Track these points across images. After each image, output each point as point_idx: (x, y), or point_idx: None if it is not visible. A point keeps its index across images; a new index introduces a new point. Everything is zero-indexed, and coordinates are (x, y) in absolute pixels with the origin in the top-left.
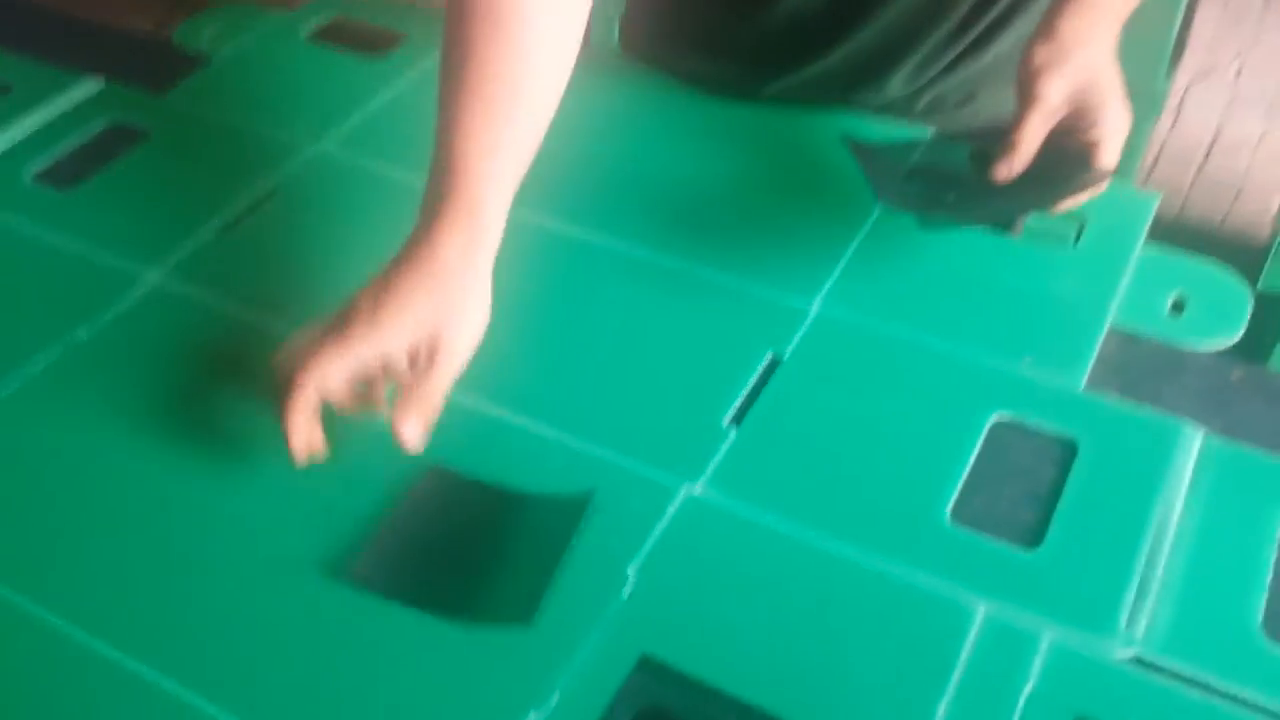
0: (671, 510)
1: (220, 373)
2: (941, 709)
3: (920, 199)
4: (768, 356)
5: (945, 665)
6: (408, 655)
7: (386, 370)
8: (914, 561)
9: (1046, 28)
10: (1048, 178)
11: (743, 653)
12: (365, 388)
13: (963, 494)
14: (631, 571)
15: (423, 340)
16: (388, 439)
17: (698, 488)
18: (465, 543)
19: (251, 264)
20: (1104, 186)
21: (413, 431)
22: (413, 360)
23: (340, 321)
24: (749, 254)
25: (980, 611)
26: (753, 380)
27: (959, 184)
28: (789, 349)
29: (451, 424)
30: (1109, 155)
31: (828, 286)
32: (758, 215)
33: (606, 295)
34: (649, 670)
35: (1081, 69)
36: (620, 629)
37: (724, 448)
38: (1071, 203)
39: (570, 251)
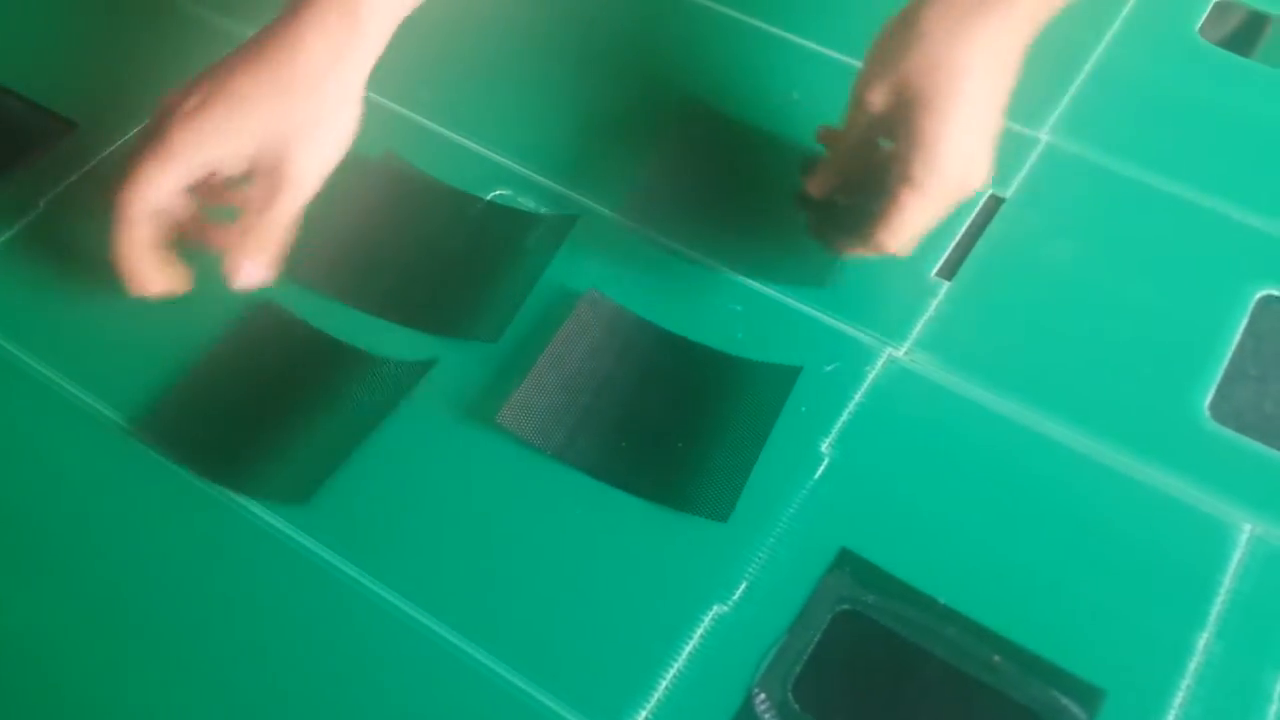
0: (871, 377)
1: None
2: (1200, 641)
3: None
4: (985, 194)
5: (1206, 591)
6: (588, 538)
7: (227, 186)
8: (1162, 463)
9: (906, 8)
10: (856, 216)
11: (953, 554)
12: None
13: (1223, 385)
14: (826, 449)
15: (266, 154)
16: None
17: (901, 351)
18: (673, 413)
19: None
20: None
21: (246, 269)
22: (256, 176)
23: (158, 126)
24: None
25: (1245, 531)
26: (966, 224)
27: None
28: (1011, 187)
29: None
30: (896, 218)
31: (1059, 111)
32: None
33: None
34: (848, 567)
35: (920, 71)
36: (814, 516)
37: (931, 305)
38: (855, 249)
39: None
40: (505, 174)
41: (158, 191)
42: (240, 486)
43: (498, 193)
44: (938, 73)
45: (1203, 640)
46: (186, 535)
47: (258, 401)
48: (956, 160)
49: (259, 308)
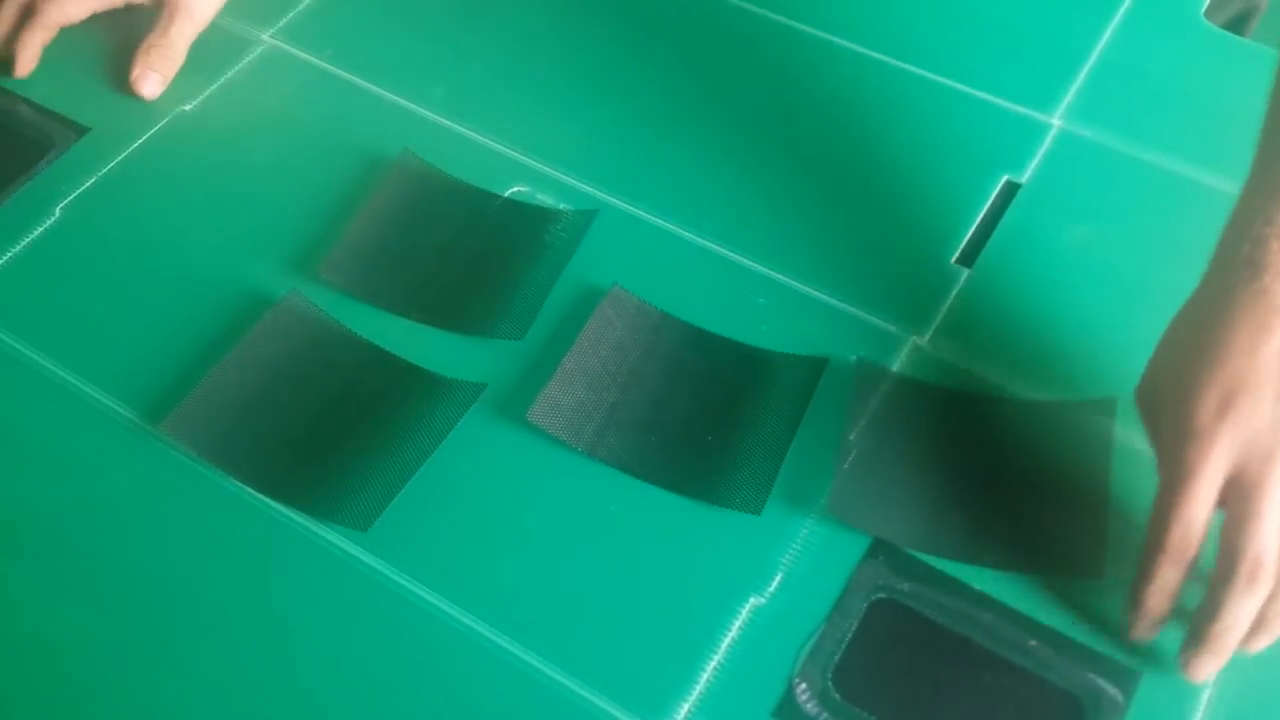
0: (896, 366)
1: None
2: None
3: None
4: (1002, 180)
5: None
6: (623, 534)
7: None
8: None
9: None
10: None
11: (984, 541)
12: None
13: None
14: (854, 439)
15: None
16: None
17: (924, 339)
18: (701, 407)
19: None
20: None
21: (148, 83)
22: (160, 6)
23: None
24: (974, 56)
25: None
26: (983, 211)
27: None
28: (1026, 172)
29: (638, 242)
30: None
31: (1070, 96)
32: (984, 10)
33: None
34: (882, 555)
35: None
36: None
37: (952, 293)
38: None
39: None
40: (523, 170)
41: (79, 11)
42: (298, 503)
43: (516, 189)
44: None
45: None
46: (214, 535)
47: (306, 412)
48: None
49: (284, 304)
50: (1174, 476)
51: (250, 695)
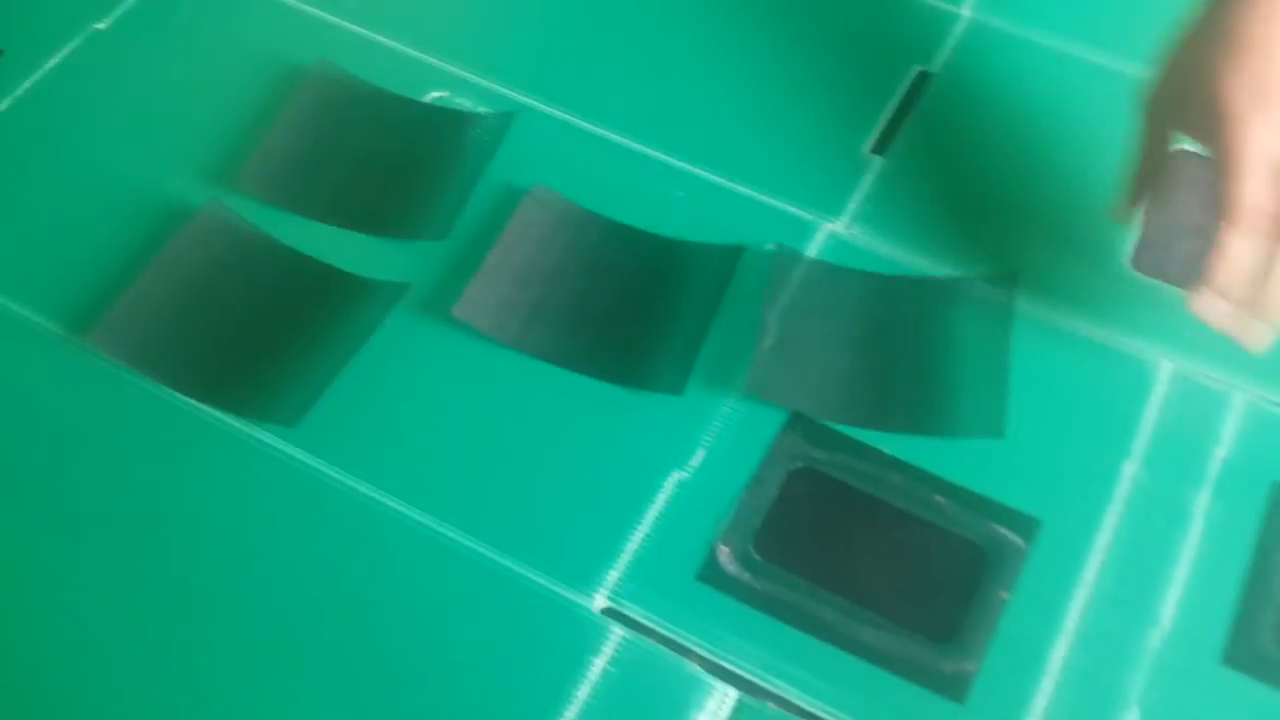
0: (812, 252)
1: None
2: (1128, 470)
3: None
4: (914, 71)
5: (1128, 423)
6: (551, 421)
7: None
8: (1089, 313)
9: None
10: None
11: (892, 408)
12: None
13: (1146, 239)
14: (772, 322)
15: None
16: None
17: (840, 225)
18: (624, 298)
19: None
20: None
21: None
22: None
23: None
24: None
25: (1165, 369)
26: (896, 100)
27: None
28: (937, 62)
29: (559, 142)
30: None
31: None
32: None
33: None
34: (799, 429)
35: (1238, 88)
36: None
37: (866, 180)
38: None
39: None
40: (442, 76)
41: None
42: (227, 405)
43: (435, 94)
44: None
45: (1129, 469)
46: (151, 444)
47: (232, 318)
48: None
49: (206, 213)
50: (1226, 160)
51: (188, 595)
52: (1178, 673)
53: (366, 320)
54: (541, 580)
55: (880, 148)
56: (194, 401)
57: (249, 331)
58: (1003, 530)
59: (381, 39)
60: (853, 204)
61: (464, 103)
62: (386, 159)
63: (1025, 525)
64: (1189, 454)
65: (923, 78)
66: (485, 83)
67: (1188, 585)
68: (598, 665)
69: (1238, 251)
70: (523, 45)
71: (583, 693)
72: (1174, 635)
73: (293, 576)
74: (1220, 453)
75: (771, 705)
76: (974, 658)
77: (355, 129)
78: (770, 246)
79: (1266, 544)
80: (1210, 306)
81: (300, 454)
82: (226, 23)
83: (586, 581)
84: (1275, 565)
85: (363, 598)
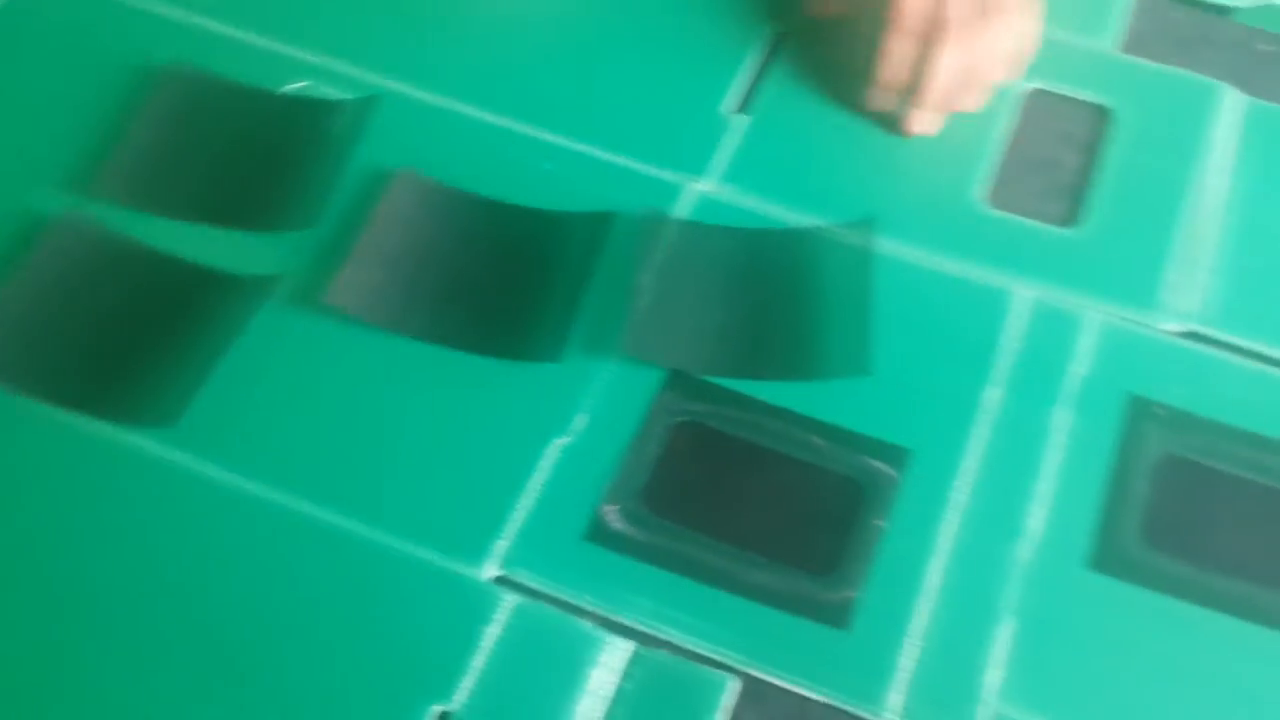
0: (683, 212)
1: None
2: (990, 395)
3: None
4: (772, 30)
5: (987, 351)
6: (431, 399)
7: None
8: (949, 248)
9: None
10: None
11: (765, 358)
12: None
13: (1000, 175)
14: (646, 283)
15: None
16: None
17: (708, 185)
18: (497, 272)
19: None
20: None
21: None
22: None
23: None
24: None
25: (1021, 295)
26: (756, 59)
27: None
28: (793, 21)
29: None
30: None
31: None
32: None
33: None
34: (679, 385)
35: None
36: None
37: (730, 139)
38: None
39: None
40: (302, 66)
41: None
42: (99, 411)
43: (296, 85)
44: None
45: (992, 394)
46: (19, 455)
47: (98, 324)
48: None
49: (62, 223)
50: None
51: (67, 602)
52: (1048, 581)
53: (237, 315)
54: (430, 557)
55: (744, 106)
56: (64, 411)
57: (116, 336)
58: (876, 463)
59: (238, 34)
60: (720, 163)
61: (327, 91)
62: (247, 153)
63: (896, 456)
64: (1047, 374)
65: (779, 37)
66: (347, 69)
67: (1053, 498)
68: (491, 633)
69: (899, 50)
70: (382, 29)
71: (478, 662)
72: (1043, 546)
73: (178, 575)
74: (1077, 370)
75: (666, 653)
76: (855, 585)
77: (214, 126)
78: (640, 210)
79: (1125, 452)
80: (880, 100)
81: (178, 455)
82: (75, 28)
83: (476, 553)
84: (1134, 472)
85: (251, 591)
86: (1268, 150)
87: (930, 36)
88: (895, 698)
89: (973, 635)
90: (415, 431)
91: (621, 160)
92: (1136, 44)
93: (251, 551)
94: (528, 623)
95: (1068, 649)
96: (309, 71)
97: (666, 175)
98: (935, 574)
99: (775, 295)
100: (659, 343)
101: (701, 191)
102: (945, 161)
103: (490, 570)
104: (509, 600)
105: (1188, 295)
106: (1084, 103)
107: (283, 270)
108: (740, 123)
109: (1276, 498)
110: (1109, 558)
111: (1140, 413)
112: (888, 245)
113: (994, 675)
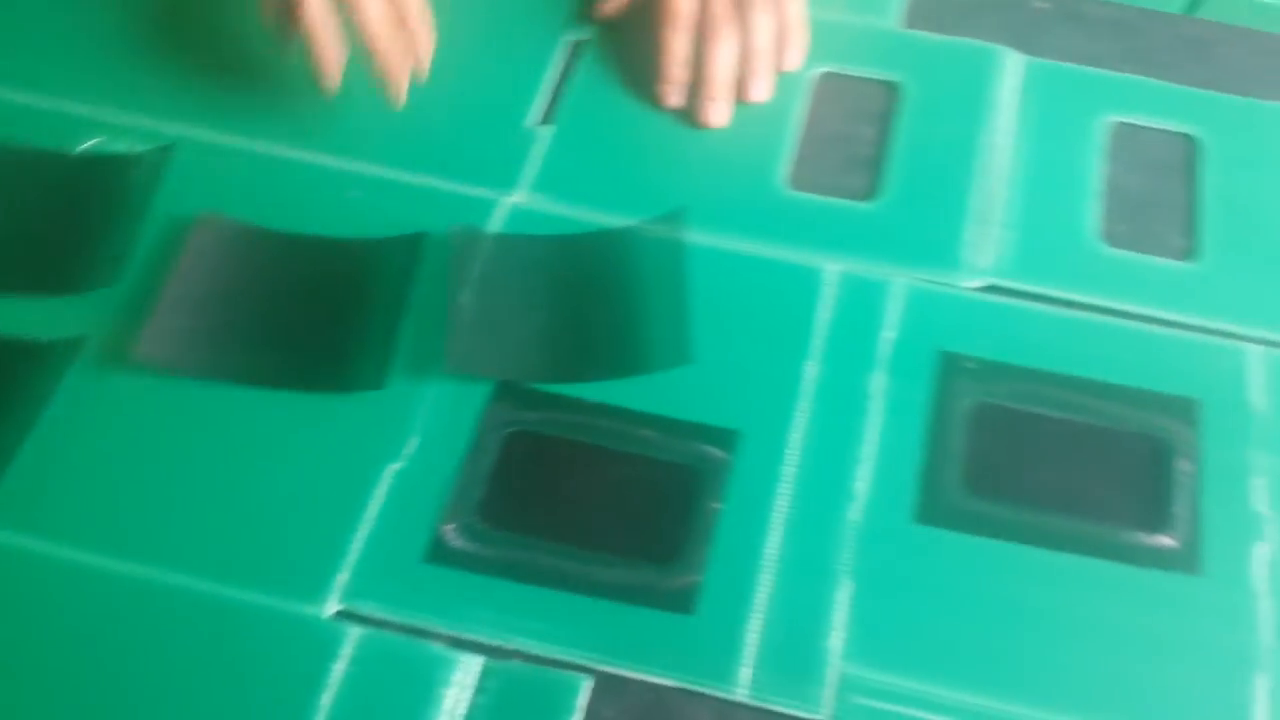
0: (496, 226)
1: None
2: (809, 369)
3: None
4: (568, 41)
5: (803, 328)
6: (255, 442)
7: None
8: (757, 232)
9: None
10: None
11: (590, 359)
12: None
13: (799, 157)
14: (465, 300)
15: None
16: None
17: (519, 197)
18: (311, 307)
19: None
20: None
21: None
22: None
23: None
24: None
25: (829, 270)
26: (554, 70)
27: None
28: (588, 33)
29: (224, 167)
30: None
31: None
32: None
33: None
34: (508, 397)
35: None
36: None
37: (536, 150)
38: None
39: None
40: (93, 123)
41: None
42: None
43: (89, 143)
44: None
45: (810, 368)
46: None
47: None
48: None
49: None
50: None
51: None
52: (879, 539)
53: (44, 383)
54: (270, 601)
55: (548, 116)
56: None
57: None
58: (707, 448)
59: (25, 98)
60: (529, 174)
61: (121, 145)
62: (44, 218)
63: (725, 439)
64: (861, 343)
65: (577, 47)
66: (139, 121)
67: (877, 459)
68: (338, 669)
69: (678, 45)
70: (170, 76)
71: (326, 699)
72: (871, 507)
73: (8, 653)
74: (888, 335)
75: (518, 662)
76: (697, 570)
77: (6, 194)
78: (451, 227)
79: (940, 407)
80: (670, 95)
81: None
82: None
83: (316, 591)
84: (950, 424)
85: (89, 659)
86: (1047, 105)
87: (703, 30)
88: (745, 672)
89: (813, 602)
90: (242, 478)
91: (431, 181)
92: (918, 18)
93: (84, 619)
94: (374, 653)
95: (903, 602)
96: (101, 128)
97: (477, 192)
98: (773, 548)
99: (593, 297)
100: (482, 356)
101: (514, 204)
102: (746, 150)
103: (332, 606)
104: (353, 633)
105: (985, 252)
106: (872, 80)
107: (88, 332)
108: (546, 133)
109: (1083, 431)
110: (934, 509)
111: (951, 367)
112: (698, 236)
113: (837, 638)
